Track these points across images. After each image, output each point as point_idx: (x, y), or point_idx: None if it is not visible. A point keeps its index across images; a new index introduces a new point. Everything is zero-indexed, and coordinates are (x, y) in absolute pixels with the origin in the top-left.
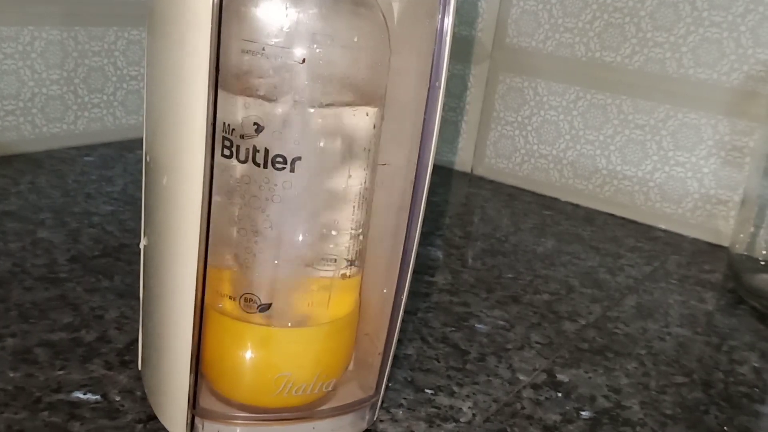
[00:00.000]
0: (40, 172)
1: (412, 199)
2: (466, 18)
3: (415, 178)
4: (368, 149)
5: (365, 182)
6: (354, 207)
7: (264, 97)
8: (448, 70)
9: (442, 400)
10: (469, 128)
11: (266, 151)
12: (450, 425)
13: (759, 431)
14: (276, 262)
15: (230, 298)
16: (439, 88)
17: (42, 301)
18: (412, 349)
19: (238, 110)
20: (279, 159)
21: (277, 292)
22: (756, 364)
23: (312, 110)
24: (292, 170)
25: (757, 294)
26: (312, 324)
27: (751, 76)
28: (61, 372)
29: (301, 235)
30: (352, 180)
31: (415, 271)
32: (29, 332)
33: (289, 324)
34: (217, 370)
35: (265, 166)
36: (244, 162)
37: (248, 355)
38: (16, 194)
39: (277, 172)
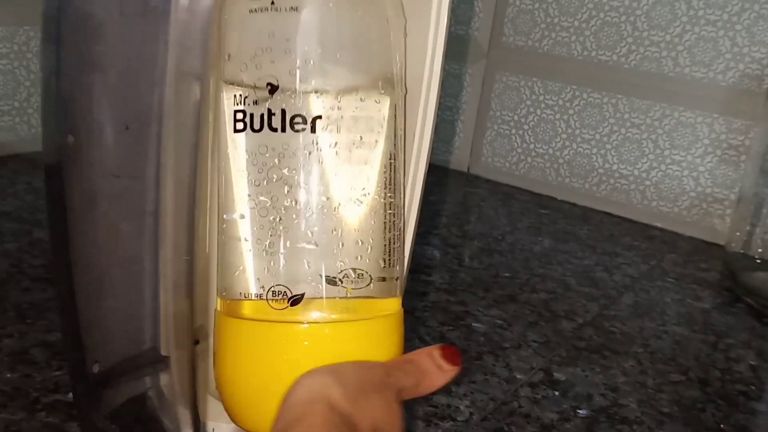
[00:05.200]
0: (37, 172)
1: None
2: (462, 17)
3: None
4: (393, 127)
5: (394, 159)
6: (386, 178)
7: (276, 57)
8: (444, 69)
9: (440, 399)
10: (465, 127)
11: (283, 112)
12: (447, 424)
13: (756, 429)
14: (304, 244)
15: (256, 297)
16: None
17: (39, 302)
18: (409, 348)
19: (250, 74)
20: (298, 119)
21: (307, 277)
22: (752, 362)
23: (328, 67)
24: (313, 130)
25: (753, 292)
26: (359, 317)
27: (746, 75)
28: (58, 372)
29: (327, 209)
30: (378, 153)
31: (412, 271)
32: (26, 333)
33: (334, 316)
34: (244, 394)
35: (284, 130)
36: (259, 130)
37: (285, 365)
38: (12, 194)
39: (296, 134)
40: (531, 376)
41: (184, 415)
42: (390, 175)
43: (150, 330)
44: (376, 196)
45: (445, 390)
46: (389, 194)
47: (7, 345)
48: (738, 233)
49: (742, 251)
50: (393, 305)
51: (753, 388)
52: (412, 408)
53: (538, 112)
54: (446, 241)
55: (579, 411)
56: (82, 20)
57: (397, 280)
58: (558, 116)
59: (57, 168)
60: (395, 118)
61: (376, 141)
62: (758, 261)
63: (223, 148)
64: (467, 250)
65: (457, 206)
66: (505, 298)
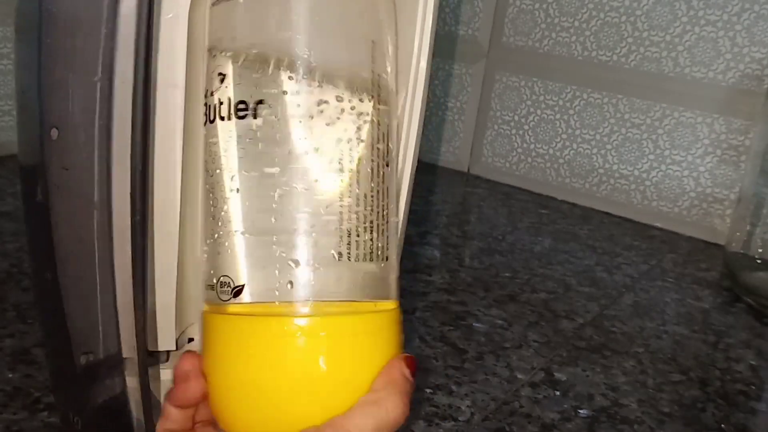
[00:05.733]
0: None
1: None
2: (462, 17)
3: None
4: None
5: (360, 137)
6: (344, 171)
7: (227, 46)
8: (431, 66)
9: (441, 399)
10: (465, 127)
11: (228, 100)
12: (449, 424)
13: (756, 428)
14: (242, 231)
15: (210, 287)
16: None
17: None
18: (410, 348)
19: (208, 67)
20: (241, 106)
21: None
22: (752, 362)
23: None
24: (255, 116)
25: (753, 292)
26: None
27: (746, 75)
28: None
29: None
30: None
31: (412, 271)
32: (27, 333)
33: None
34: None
35: (229, 118)
36: (213, 121)
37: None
38: (12, 194)
39: (240, 121)
40: (532, 375)
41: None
42: (372, 169)
43: (112, 329)
44: (349, 195)
45: (447, 390)
46: (368, 190)
47: (8, 345)
48: (738, 233)
49: (742, 251)
50: (386, 305)
51: (753, 387)
52: (413, 408)
53: (539, 112)
54: (446, 241)
55: (580, 411)
56: (57, 15)
57: (388, 280)
58: (558, 116)
59: (37, 165)
60: (374, 119)
61: (354, 137)
62: (758, 261)
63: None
64: (467, 250)
65: (457, 206)
66: (506, 298)
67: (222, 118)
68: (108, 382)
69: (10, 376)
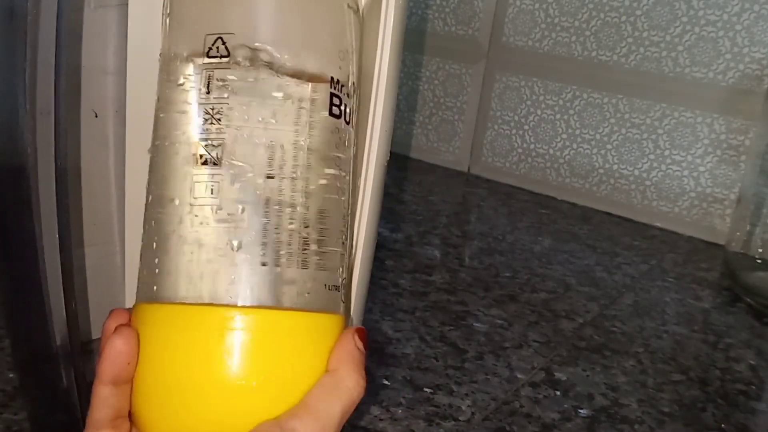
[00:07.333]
0: None
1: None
2: (462, 17)
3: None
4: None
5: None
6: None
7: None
8: (400, 62)
9: (441, 398)
10: (465, 127)
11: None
12: (449, 424)
13: (756, 428)
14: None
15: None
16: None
17: None
18: (410, 348)
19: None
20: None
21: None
22: (752, 362)
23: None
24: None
25: (753, 292)
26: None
27: (746, 75)
28: None
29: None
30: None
31: (412, 271)
32: None
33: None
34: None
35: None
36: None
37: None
38: None
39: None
40: (532, 375)
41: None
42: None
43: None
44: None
45: (447, 390)
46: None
47: (8, 345)
48: (738, 233)
49: (742, 251)
50: (326, 316)
51: (753, 387)
52: (413, 408)
53: (539, 112)
54: (446, 240)
55: (580, 410)
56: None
57: (335, 289)
58: (558, 116)
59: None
60: (307, 106)
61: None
62: (758, 261)
63: None
64: (467, 250)
65: (457, 206)
66: (506, 298)
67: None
68: (50, 374)
69: (11, 375)
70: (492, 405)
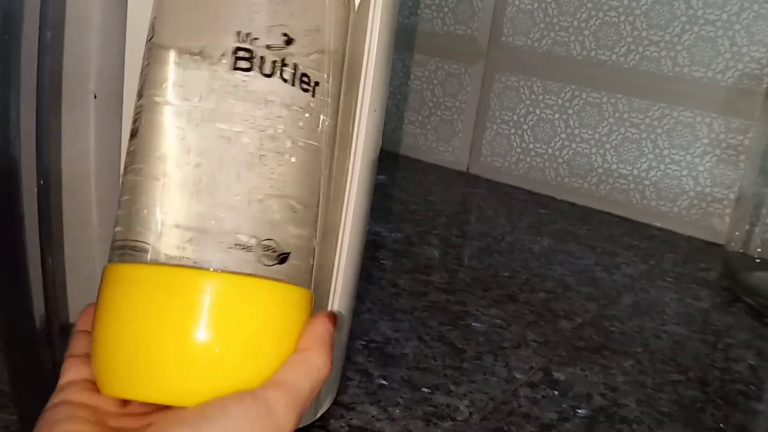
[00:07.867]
0: None
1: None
2: (461, 17)
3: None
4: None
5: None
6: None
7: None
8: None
9: (439, 398)
10: (464, 127)
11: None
12: (447, 424)
13: (755, 428)
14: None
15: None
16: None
17: None
18: (408, 348)
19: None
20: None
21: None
22: (752, 362)
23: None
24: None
25: (752, 292)
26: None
27: (745, 74)
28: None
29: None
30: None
31: (412, 270)
32: None
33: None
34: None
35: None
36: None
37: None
38: None
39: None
40: (530, 375)
41: None
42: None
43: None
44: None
45: (445, 390)
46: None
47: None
48: (737, 233)
49: (741, 251)
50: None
51: (752, 387)
52: (411, 408)
53: (538, 111)
54: (446, 240)
55: (578, 411)
56: None
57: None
58: (557, 116)
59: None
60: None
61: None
62: (758, 261)
63: None
64: (467, 250)
65: (456, 206)
66: (505, 298)
67: None
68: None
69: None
70: (490, 405)
